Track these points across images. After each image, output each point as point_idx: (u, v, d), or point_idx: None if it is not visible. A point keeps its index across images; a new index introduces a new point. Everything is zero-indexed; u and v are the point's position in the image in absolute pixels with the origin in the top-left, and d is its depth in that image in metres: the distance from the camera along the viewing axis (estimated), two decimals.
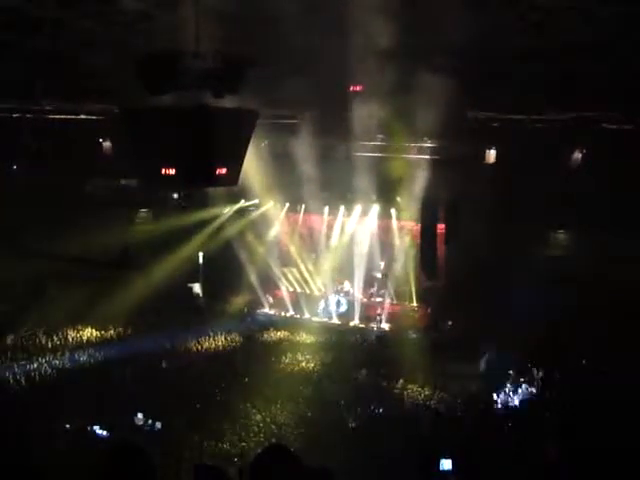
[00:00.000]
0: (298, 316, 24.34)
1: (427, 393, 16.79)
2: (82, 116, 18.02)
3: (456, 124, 17.08)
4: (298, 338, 21.72)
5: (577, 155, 18.29)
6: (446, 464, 5.15)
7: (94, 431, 13.64)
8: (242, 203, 25.14)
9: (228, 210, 24.98)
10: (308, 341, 21.46)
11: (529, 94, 15.05)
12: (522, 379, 16.73)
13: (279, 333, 22.21)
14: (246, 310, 24.40)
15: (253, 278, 24.73)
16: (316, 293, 25.19)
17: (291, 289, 25.43)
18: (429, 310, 23.02)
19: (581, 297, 18.38)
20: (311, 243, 25.50)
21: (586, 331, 17.55)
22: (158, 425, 14.20)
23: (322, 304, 24.41)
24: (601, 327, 17.37)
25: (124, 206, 23.65)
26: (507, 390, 16.33)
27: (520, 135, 17.52)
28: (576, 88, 14.15)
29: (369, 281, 24.31)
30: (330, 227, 25.19)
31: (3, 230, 18.98)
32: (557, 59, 12.71)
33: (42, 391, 15.62)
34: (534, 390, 16.37)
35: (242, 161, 8.11)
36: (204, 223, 24.32)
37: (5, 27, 11.46)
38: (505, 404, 16.02)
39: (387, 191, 22.45)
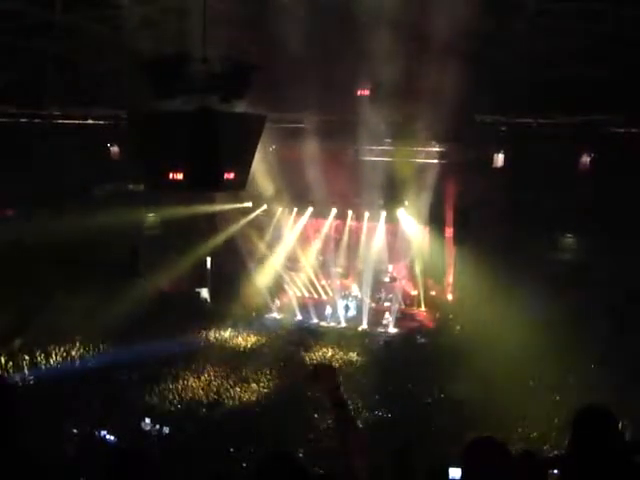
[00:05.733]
0: (306, 320, 24.28)
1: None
2: (90, 121, 18.04)
3: (464, 128, 17.04)
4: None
5: (585, 159, 18.18)
6: (455, 473, 5.05)
7: (102, 436, 13.62)
8: (249, 207, 25.17)
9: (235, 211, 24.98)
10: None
11: (537, 98, 14.99)
12: (531, 383, 16.63)
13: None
14: (254, 315, 24.37)
15: (261, 283, 24.71)
16: (324, 298, 25.14)
17: (299, 294, 25.40)
18: (437, 314, 22.91)
19: (589, 300, 18.23)
20: (319, 247, 25.44)
21: (594, 333, 17.40)
22: (166, 430, 14.17)
23: (330, 309, 24.36)
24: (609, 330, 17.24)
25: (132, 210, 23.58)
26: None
27: (528, 138, 17.44)
28: (584, 91, 14.09)
29: (377, 285, 24.27)
30: (338, 231, 25.13)
31: (7, 234, 18.92)
32: (564, 63, 12.69)
33: (50, 395, 15.60)
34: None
35: (250, 165, 8.09)
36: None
37: (13, 31, 11.53)
38: None
39: (395, 195, 22.38)
